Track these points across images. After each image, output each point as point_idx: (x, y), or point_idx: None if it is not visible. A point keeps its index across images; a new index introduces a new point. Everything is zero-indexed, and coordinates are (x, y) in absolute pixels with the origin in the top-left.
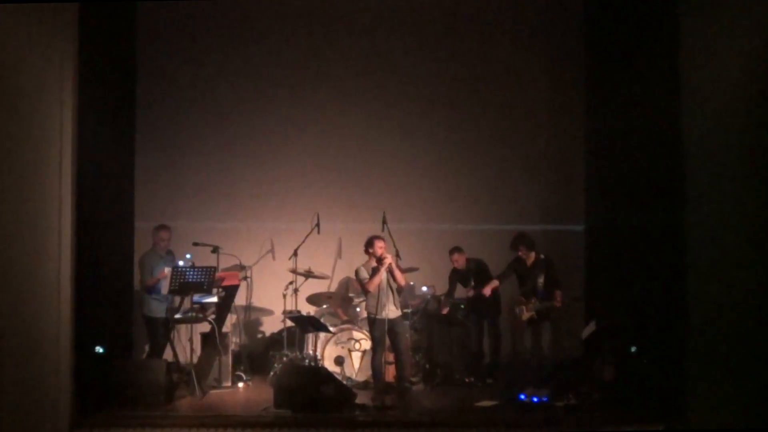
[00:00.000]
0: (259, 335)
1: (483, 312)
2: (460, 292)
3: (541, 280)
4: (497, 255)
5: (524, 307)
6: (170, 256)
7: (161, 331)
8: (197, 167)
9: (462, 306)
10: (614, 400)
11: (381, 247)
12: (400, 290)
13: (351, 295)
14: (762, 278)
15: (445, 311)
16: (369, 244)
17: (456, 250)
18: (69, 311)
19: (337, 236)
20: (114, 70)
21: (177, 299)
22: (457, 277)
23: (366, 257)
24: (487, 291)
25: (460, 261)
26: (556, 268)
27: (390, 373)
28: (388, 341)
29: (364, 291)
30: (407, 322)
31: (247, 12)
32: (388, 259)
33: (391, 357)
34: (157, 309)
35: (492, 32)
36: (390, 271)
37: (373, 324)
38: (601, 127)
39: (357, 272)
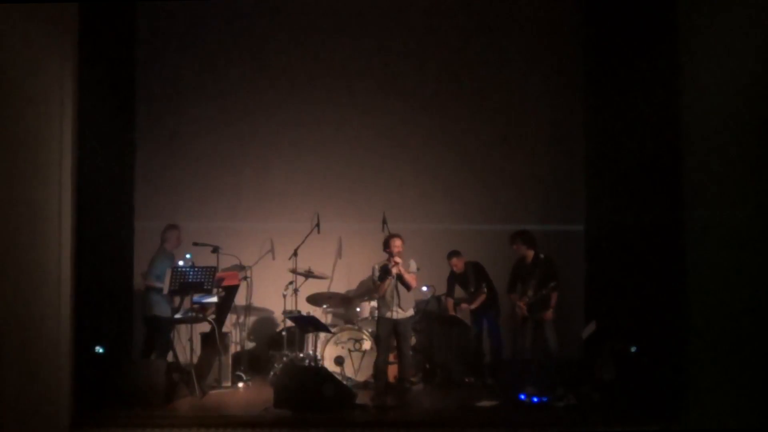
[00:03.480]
0: (259, 335)
1: (482, 312)
2: (458, 292)
3: (536, 279)
4: (497, 255)
5: (519, 304)
6: (170, 257)
7: (167, 330)
8: (197, 167)
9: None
10: (614, 400)
11: (397, 246)
12: (408, 288)
13: (350, 296)
14: (762, 278)
15: (451, 311)
16: (386, 243)
17: (454, 254)
18: (69, 311)
19: (337, 236)
20: (114, 70)
21: (177, 299)
22: (455, 280)
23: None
24: (474, 305)
25: (458, 265)
26: (557, 267)
27: (392, 374)
28: (393, 342)
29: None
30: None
31: (247, 12)
32: (396, 268)
33: (393, 357)
34: (166, 309)
35: (492, 33)
36: (398, 275)
37: (379, 323)
38: (601, 127)
39: (373, 270)
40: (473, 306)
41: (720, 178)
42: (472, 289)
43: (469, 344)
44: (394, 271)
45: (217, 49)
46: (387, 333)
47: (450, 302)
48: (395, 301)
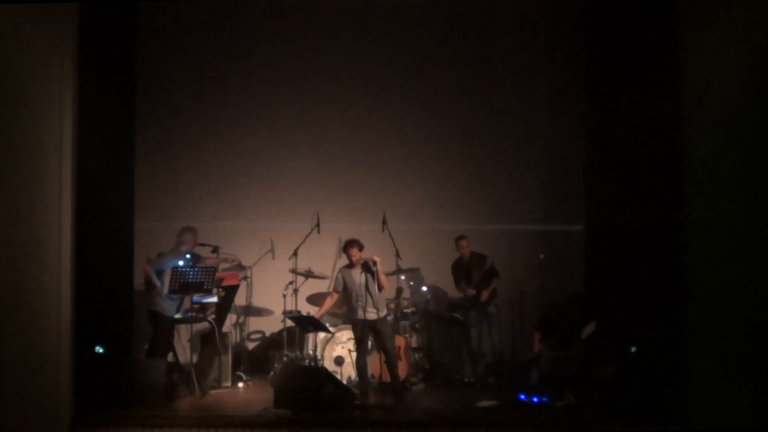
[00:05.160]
0: (259, 335)
1: (483, 311)
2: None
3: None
4: (497, 255)
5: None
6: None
7: (168, 329)
8: (197, 167)
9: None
10: (614, 400)
11: (355, 255)
12: (400, 291)
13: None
14: (762, 278)
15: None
16: (345, 250)
17: (463, 237)
18: (69, 311)
19: (337, 236)
20: (114, 70)
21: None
22: (461, 268)
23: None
24: (484, 296)
25: (468, 249)
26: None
27: (387, 374)
28: (372, 342)
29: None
30: (406, 322)
31: (247, 12)
32: (377, 266)
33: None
34: (169, 307)
35: (492, 32)
36: (372, 273)
37: (353, 325)
38: (601, 127)
39: (336, 279)
40: (484, 297)
41: (720, 177)
42: (474, 284)
43: (470, 344)
44: (377, 268)
45: (217, 49)
46: (362, 334)
47: (469, 291)
48: (369, 302)
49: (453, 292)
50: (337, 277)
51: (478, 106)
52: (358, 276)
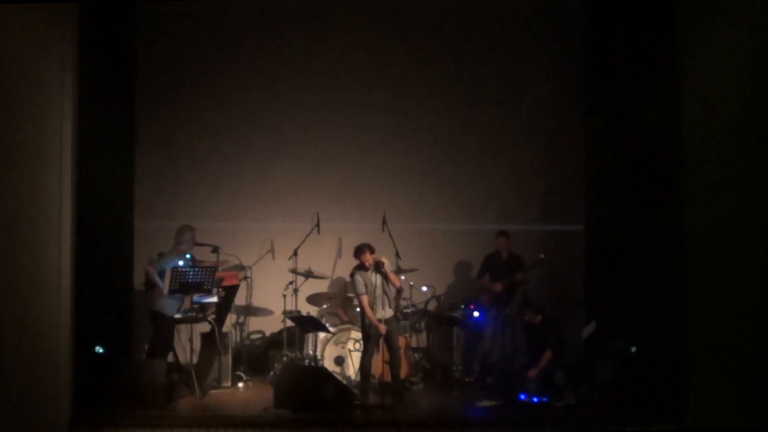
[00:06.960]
0: (259, 335)
1: (503, 304)
2: (470, 291)
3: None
4: None
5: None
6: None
7: (168, 329)
8: (197, 167)
9: (462, 306)
10: (614, 400)
11: (368, 260)
12: (401, 291)
13: (350, 295)
14: (762, 277)
15: (497, 288)
16: (358, 252)
17: (504, 233)
18: (69, 311)
19: (337, 236)
20: (114, 70)
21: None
22: (495, 263)
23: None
24: (518, 277)
25: (505, 247)
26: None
27: (388, 373)
28: (381, 342)
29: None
30: (406, 322)
31: (247, 12)
32: (386, 267)
33: (388, 356)
34: (169, 307)
35: (492, 32)
36: (385, 276)
37: (370, 326)
38: (601, 127)
39: (355, 282)
40: (498, 288)
41: (720, 178)
42: (514, 281)
43: (483, 342)
44: (385, 269)
45: (217, 49)
46: (375, 333)
47: (496, 286)
48: (385, 301)
49: (452, 295)
50: (356, 278)
51: (479, 107)
52: (373, 277)
